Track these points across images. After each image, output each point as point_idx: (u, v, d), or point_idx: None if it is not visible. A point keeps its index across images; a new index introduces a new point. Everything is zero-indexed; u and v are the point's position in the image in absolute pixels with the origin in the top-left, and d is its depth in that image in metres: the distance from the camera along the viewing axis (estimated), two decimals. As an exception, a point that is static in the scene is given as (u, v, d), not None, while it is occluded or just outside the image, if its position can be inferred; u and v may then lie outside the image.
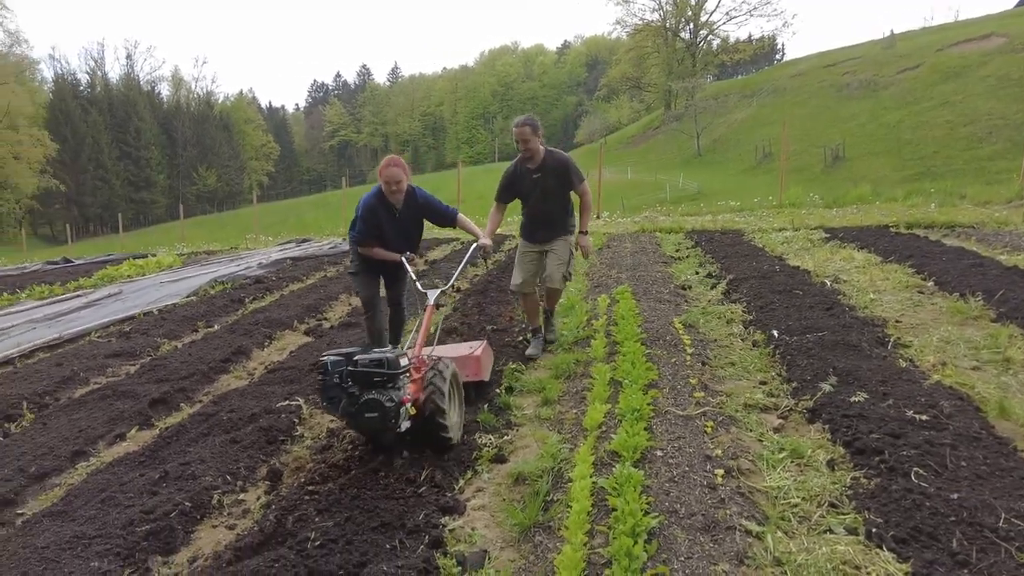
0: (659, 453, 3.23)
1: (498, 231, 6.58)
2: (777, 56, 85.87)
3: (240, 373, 5.57)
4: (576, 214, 5.23)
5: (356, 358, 3.21)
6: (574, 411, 3.98)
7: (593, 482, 2.94)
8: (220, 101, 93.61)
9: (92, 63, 78.03)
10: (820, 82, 49.18)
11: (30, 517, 3.24)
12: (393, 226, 4.68)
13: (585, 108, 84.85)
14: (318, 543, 2.72)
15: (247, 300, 8.49)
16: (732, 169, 41.91)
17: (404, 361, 3.32)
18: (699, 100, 52.82)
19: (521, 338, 5.78)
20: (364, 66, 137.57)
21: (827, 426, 3.45)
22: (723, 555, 2.44)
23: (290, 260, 12.51)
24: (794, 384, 4.05)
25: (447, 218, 4.80)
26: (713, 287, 6.96)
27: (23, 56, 63.68)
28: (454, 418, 3.59)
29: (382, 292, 5.07)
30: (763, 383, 4.24)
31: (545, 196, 5.02)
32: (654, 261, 8.72)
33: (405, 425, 3.27)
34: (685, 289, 7.02)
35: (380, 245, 4.71)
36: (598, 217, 17.08)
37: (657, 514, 2.67)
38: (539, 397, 4.31)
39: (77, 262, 16.68)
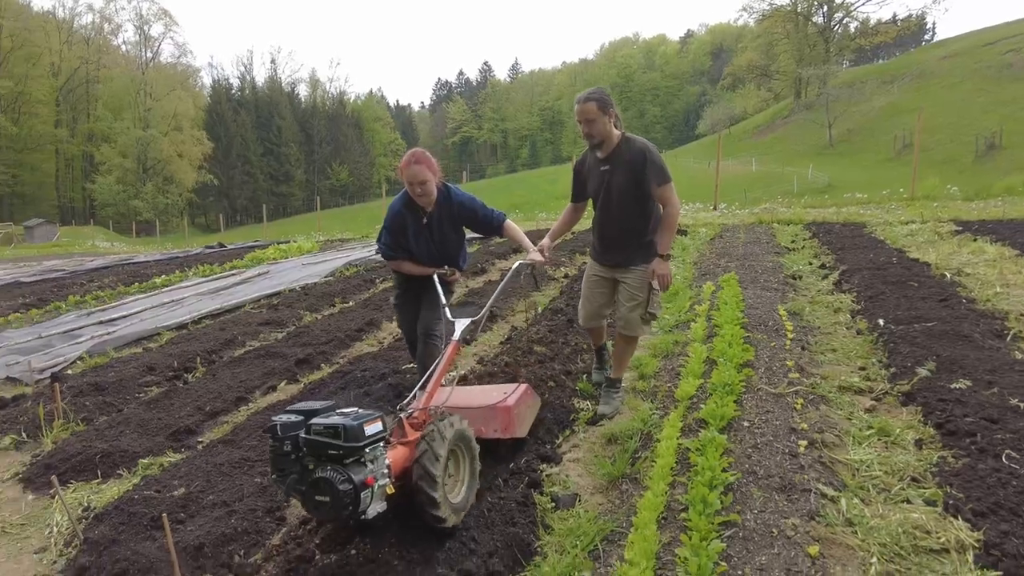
0: (745, 423, 3.43)
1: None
2: (926, 37, 78.59)
3: (372, 341, 6.26)
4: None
5: (312, 421, 2.48)
6: (668, 385, 4.22)
7: (679, 443, 3.21)
8: (352, 100, 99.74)
9: (242, 68, 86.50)
10: (976, 63, 44.68)
11: (208, 443, 4.00)
12: (422, 235, 3.91)
13: (708, 98, 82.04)
14: (436, 476, 3.17)
15: (377, 281, 9.34)
16: (867, 160, 39.19)
17: (375, 427, 2.51)
18: (832, 88, 49.67)
19: None
20: (486, 63, 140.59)
21: (920, 409, 3.48)
22: (795, 512, 2.64)
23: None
24: (892, 369, 4.06)
25: (490, 226, 4.02)
26: (825, 277, 6.85)
27: (188, 65, 72.69)
28: (459, 496, 2.84)
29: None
30: (862, 368, 4.27)
31: (614, 198, 3.66)
32: (766, 251, 8.62)
33: (377, 509, 2.51)
34: (795, 279, 6.96)
35: (409, 259, 4.03)
36: (714, 208, 16.76)
37: (736, 473, 2.91)
38: (636, 372, 4.57)
39: (230, 247, 18.78)
